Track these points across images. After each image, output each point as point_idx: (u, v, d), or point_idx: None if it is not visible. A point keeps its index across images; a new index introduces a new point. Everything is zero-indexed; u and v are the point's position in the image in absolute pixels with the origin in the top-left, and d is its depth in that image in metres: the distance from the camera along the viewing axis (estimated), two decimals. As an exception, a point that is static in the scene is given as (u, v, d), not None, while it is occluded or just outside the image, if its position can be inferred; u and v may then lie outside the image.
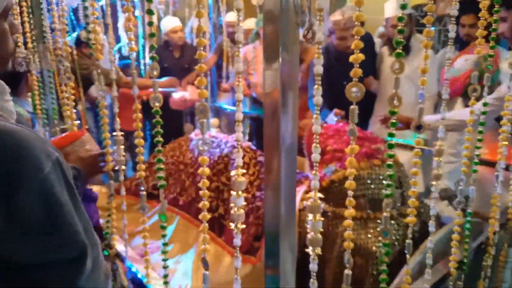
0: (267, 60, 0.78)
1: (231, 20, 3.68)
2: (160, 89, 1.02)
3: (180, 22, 3.60)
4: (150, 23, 0.97)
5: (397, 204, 1.57)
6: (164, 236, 1.15)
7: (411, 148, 2.03)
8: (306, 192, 1.75)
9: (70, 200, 0.67)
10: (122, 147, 1.26)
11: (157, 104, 0.98)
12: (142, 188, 1.21)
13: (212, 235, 2.03)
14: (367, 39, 2.86)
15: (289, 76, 0.83)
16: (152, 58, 0.96)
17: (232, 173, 0.78)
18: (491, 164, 1.59)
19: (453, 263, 1.27)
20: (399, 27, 0.88)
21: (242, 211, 0.78)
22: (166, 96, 3.43)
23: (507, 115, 1.31)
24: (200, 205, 0.86)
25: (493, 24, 1.12)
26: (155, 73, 0.96)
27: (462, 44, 2.59)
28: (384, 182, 1.52)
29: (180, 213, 2.24)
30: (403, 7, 0.88)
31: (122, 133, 1.25)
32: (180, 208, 2.24)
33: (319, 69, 0.76)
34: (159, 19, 3.79)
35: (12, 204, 0.61)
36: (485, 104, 1.24)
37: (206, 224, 0.88)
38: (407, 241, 1.04)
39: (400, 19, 0.88)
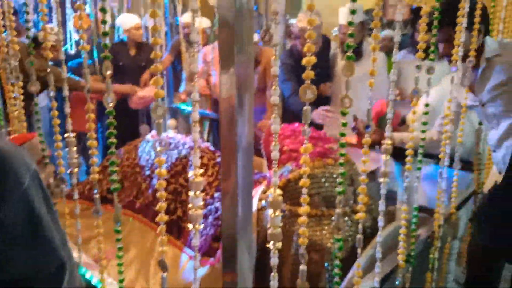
0: (223, 63, 0.79)
1: (186, 21, 3.66)
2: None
3: (139, 20, 3.56)
4: (104, 22, 0.95)
5: (349, 202, 1.63)
6: (119, 240, 1.13)
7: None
8: (264, 191, 1.77)
9: (48, 212, 0.66)
10: (75, 148, 1.22)
11: (110, 104, 0.96)
12: (96, 191, 1.18)
13: (170, 238, 2.00)
14: (325, 42, 2.97)
15: (244, 78, 0.85)
16: (105, 57, 0.94)
17: (190, 173, 0.78)
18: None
19: (402, 256, 1.35)
20: (349, 31, 0.92)
21: (200, 211, 0.78)
22: (123, 96, 3.35)
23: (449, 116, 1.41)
24: (157, 207, 0.85)
25: (432, 31, 1.20)
26: (108, 72, 0.94)
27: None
28: (337, 179, 1.58)
29: (136, 216, 2.19)
30: (353, 12, 0.93)
31: (74, 134, 1.21)
32: (136, 212, 2.19)
33: (275, 70, 0.78)
34: (113, 17, 3.70)
35: None
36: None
37: (164, 226, 0.87)
38: (358, 236, 1.09)
39: (350, 23, 0.92)
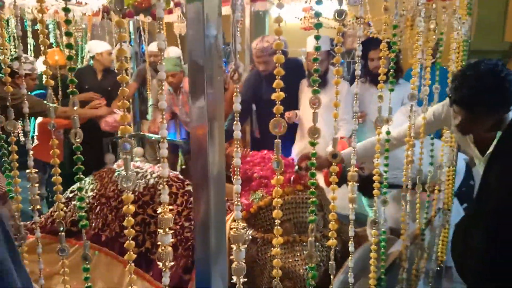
0: (193, 97, 0.80)
1: (153, 49, 3.74)
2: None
3: (108, 46, 3.63)
4: (70, 58, 0.94)
5: (320, 226, 1.65)
6: (87, 279, 1.08)
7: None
8: (234, 220, 1.76)
9: (9, 255, 0.63)
10: (37, 185, 1.17)
11: (78, 140, 0.94)
12: (62, 229, 1.13)
13: (140, 272, 1.93)
14: (297, 64, 3.07)
15: (214, 109, 0.86)
16: (71, 81, 0.93)
17: (159, 210, 0.77)
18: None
19: (373, 280, 1.37)
20: (315, 67, 0.96)
21: (170, 249, 0.77)
22: (91, 120, 3.30)
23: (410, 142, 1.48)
24: (126, 244, 0.83)
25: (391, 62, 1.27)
26: (75, 108, 0.92)
27: (372, 76, 2.85)
28: (307, 205, 1.60)
29: (102, 250, 2.11)
30: (317, 49, 0.97)
31: (37, 170, 1.17)
32: (102, 245, 2.11)
33: (237, 106, 0.80)
34: (77, 46, 3.70)
35: None
36: (387, 133, 1.39)
37: (133, 264, 0.85)
38: (330, 262, 1.10)
39: (315, 60, 0.96)
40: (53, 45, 3.59)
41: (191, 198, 2.00)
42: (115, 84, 3.68)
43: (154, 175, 2.18)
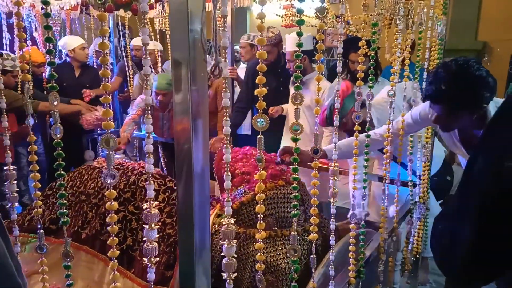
0: (177, 93, 0.80)
1: (137, 43, 3.72)
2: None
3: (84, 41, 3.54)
4: (49, 51, 0.92)
5: (300, 221, 1.68)
6: (68, 276, 1.07)
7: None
8: (218, 215, 1.77)
9: (2, 240, 0.65)
10: (15, 182, 1.15)
11: (58, 135, 0.93)
12: (40, 226, 1.11)
13: (121, 269, 1.92)
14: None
15: (198, 105, 0.87)
16: (51, 76, 0.91)
17: (144, 205, 0.77)
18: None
19: (352, 272, 1.41)
20: (297, 63, 0.97)
21: (155, 244, 0.77)
22: (73, 116, 3.24)
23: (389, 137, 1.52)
24: (109, 241, 0.83)
25: (371, 60, 1.30)
26: (55, 104, 0.91)
27: (353, 75, 2.90)
28: (289, 200, 1.63)
29: (82, 247, 2.08)
30: (299, 45, 0.99)
31: (14, 167, 1.14)
32: (82, 243, 2.08)
33: (226, 102, 0.81)
34: (54, 40, 3.60)
35: None
36: (367, 136, 1.43)
37: (116, 262, 0.85)
38: (311, 256, 1.13)
39: (297, 56, 0.98)
40: (27, 40, 3.49)
41: (173, 195, 1.99)
42: (94, 79, 3.63)
43: (135, 172, 2.16)
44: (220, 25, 2.79)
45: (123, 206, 2.04)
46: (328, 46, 4.21)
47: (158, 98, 3.07)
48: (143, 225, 2.11)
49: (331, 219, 1.25)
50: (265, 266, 1.57)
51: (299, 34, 0.97)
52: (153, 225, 0.77)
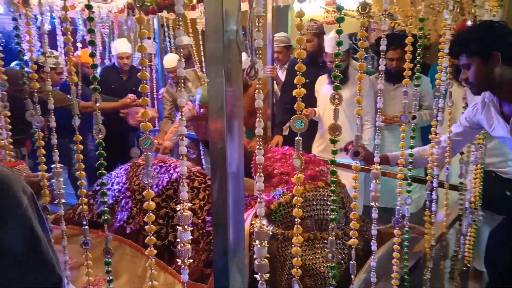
0: (212, 93, 0.80)
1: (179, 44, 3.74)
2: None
3: (129, 48, 3.61)
4: (92, 54, 0.96)
5: (341, 224, 1.63)
6: (109, 272, 1.11)
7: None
8: (256, 216, 1.76)
9: (43, 233, 0.69)
10: (62, 179, 1.21)
11: (100, 136, 0.96)
12: (85, 223, 1.16)
13: (162, 264, 1.96)
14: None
15: (233, 106, 0.86)
16: (94, 77, 0.95)
17: (178, 207, 0.77)
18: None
19: (396, 280, 1.34)
20: (336, 62, 0.94)
21: (188, 246, 0.77)
22: (117, 114, 3.36)
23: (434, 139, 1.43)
24: (146, 240, 0.84)
25: (417, 57, 1.23)
26: (97, 104, 0.94)
27: (389, 74, 2.77)
28: (328, 203, 1.58)
29: (127, 242, 2.15)
30: (339, 44, 0.95)
31: (61, 165, 1.20)
32: (127, 237, 2.16)
33: (259, 103, 0.79)
34: (103, 42, 3.76)
35: None
36: (413, 129, 1.35)
37: (153, 260, 0.86)
38: (351, 262, 1.08)
39: (336, 54, 0.94)
40: (76, 42, 3.66)
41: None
42: (140, 83, 3.71)
43: (177, 170, 2.21)
44: (260, 24, 2.78)
45: (165, 203, 2.09)
46: (373, 43, 4.06)
47: (202, 110, 3.00)
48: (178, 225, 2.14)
49: (373, 224, 1.19)
50: (303, 269, 1.54)
51: (339, 32, 0.93)
52: (186, 227, 0.77)
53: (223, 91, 0.79)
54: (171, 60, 3.32)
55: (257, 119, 0.80)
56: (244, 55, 0.80)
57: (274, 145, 3.01)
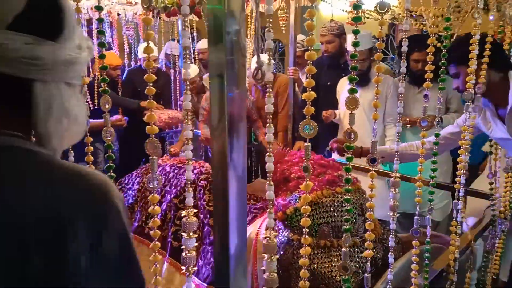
0: (213, 96, 0.77)
1: (201, 47, 3.78)
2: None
3: (155, 51, 3.66)
4: (102, 56, 0.95)
5: (359, 231, 1.57)
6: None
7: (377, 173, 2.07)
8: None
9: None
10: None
11: (109, 138, 0.96)
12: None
13: (178, 265, 1.97)
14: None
15: (237, 110, 0.83)
16: (104, 91, 0.94)
17: (183, 213, 0.75)
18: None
19: (414, 293, 1.28)
20: (352, 64, 0.90)
21: (193, 253, 0.75)
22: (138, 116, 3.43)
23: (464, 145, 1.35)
24: (151, 245, 0.83)
25: (442, 59, 1.17)
26: (106, 106, 0.94)
27: (413, 76, 2.67)
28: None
29: (145, 242, 2.17)
30: (355, 44, 0.91)
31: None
32: (145, 237, 2.18)
33: (270, 107, 0.76)
34: (129, 45, 3.83)
35: (96, 244, 0.60)
36: (436, 135, 1.28)
37: (158, 266, 0.84)
38: (366, 274, 1.04)
39: (352, 56, 0.90)
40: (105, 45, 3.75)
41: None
42: (165, 85, 3.79)
43: (195, 171, 2.20)
44: (283, 25, 2.74)
45: (182, 204, 2.09)
46: (398, 45, 3.94)
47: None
48: (202, 222, 2.12)
49: (391, 235, 1.14)
50: (318, 277, 1.49)
51: (355, 32, 0.89)
52: (191, 234, 0.75)
53: (224, 93, 0.76)
54: (190, 71, 3.36)
55: (267, 124, 0.77)
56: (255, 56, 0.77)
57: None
